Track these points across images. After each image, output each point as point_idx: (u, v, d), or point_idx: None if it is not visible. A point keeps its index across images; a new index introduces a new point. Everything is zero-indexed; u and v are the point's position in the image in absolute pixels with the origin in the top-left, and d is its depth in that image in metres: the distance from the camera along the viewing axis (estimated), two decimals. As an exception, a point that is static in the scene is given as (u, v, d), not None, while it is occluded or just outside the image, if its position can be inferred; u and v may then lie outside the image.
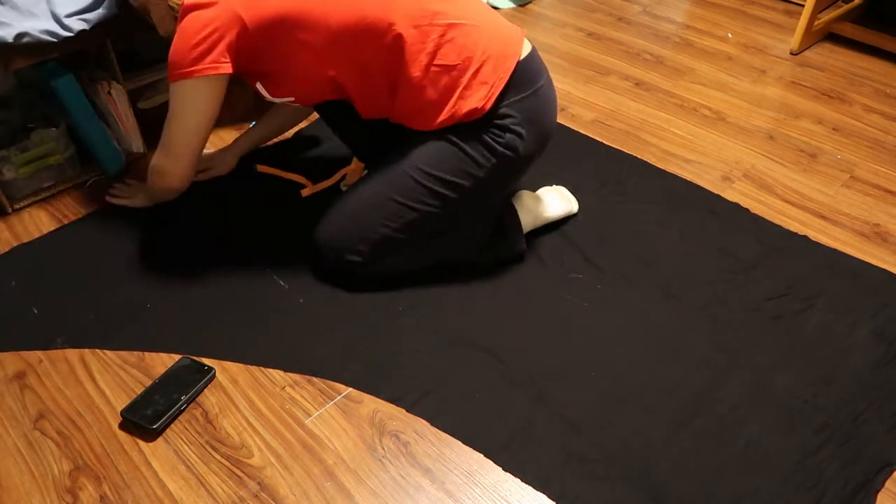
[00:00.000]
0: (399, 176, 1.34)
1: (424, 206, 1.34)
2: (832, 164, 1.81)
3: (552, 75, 2.17)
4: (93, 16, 1.49)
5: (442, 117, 1.31)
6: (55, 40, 1.44)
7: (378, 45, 1.25)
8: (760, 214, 1.64)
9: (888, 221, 1.64)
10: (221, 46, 1.20)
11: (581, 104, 2.03)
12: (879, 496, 1.11)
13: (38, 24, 1.43)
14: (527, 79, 1.33)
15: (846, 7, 2.39)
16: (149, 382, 1.25)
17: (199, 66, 1.21)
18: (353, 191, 1.40)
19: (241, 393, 1.25)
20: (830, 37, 2.37)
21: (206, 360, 1.29)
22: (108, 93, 1.66)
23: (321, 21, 1.22)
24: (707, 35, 2.41)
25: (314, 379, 1.27)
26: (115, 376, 1.27)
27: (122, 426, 1.19)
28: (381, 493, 1.11)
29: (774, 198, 1.70)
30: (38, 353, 1.31)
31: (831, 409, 1.23)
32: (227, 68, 1.23)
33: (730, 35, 2.41)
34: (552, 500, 1.10)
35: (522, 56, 1.33)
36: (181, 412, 1.21)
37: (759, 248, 1.54)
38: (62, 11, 1.46)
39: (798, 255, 1.53)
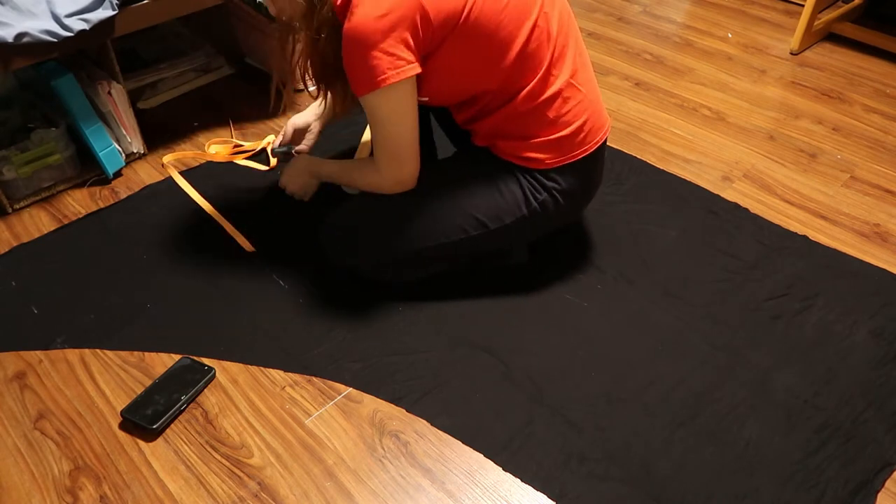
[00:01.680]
0: (431, 201, 1.32)
1: (445, 238, 1.32)
2: (832, 164, 1.81)
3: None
4: (93, 16, 1.49)
5: (508, 150, 1.30)
6: (55, 40, 1.44)
7: (527, 68, 1.22)
8: (760, 214, 1.64)
9: (888, 221, 1.64)
10: (406, 38, 1.10)
11: (581, 104, 2.03)
12: (879, 496, 1.11)
13: (38, 24, 1.43)
14: (591, 158, 1.33)
15: (846, 7, 2.39)
16: (149, 382, 1.25)
17: (392, 72, 1.11)
18: (378, 198, 1.36)
19: (241, 393, 1.25)
20: (830, 37, 2.37)
21: (206, 360, 1.29)
22: (108, 93, 1.66)
23: (499, 32, 1.16)
24: (707, 35, 2.41)
25: (314, 379, 1.27)
26: (115, 376, 1.27)
27: (122, 426, 1.20)
28: (381, 493, 1.11)
29: (774, 198, 1.70)
30: (38, 353, 1.31)
31: (831, 409, 1.23)
32: (417, 67, 1.14)
33: (730, 35, 2.41)
34: (552, 499, 1.10)
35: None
36: (181, 412, 1.21)
37: (759, 248, 1.54)
38: (62, 11, 1.46)
39: (798, 255, 1.53)
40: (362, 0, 1.08)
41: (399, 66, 1.11)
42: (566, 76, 1.25)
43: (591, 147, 1.31)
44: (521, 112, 1.25)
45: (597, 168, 1.37)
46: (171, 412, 1.19)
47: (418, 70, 1.14)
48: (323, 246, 1.42)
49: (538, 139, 1.27)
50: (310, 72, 1.24)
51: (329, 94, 1.28)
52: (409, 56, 1.12)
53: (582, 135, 1.29)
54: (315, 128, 1.62)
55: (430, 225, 1.32)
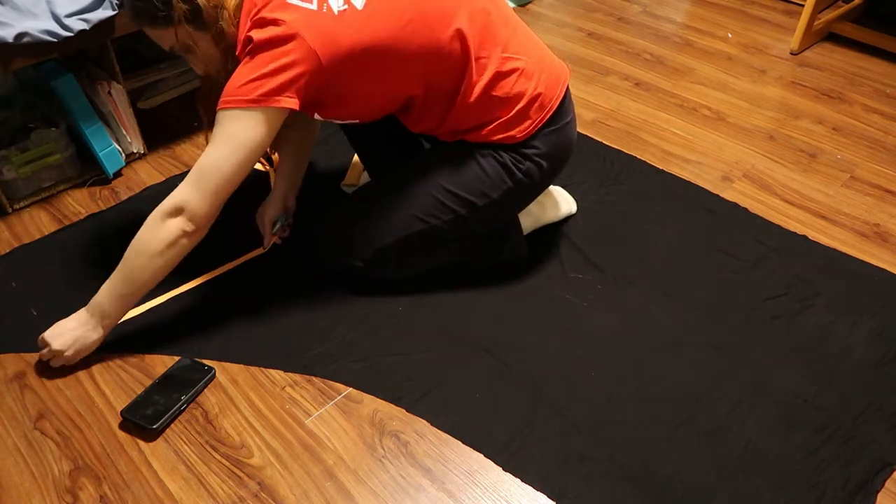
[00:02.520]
0: (414, 187, 1.34)
1: (434, 220, 1.34)
2: (832, 164, 1.81)
3: (552, 75, 2.17)
4: (93, 16, 1.49)
5: (476, 138, 1.31)
6: (55, 40, 1.44)
7: (449, 68, 1.23)
8: (760, 214, 1.64)
9: (888, 221, 1.63)
10: (292, 81, 1.09)
11: (581, 104, 2.03)
12: (879, 496, 1.11)
13: (38, 24, 1.43)
14: (558, 115, 1.34)
15: (846, 7, 2.39)
16: (149, 382, 1.25)
17: (263, 96, 1.08)
18: (364, 196, 1.40)
19: (241, 393, 1.25)
20: (830, 37, 2.37)
21: (205, 361, 1.29)
22: (108, 93, 1.66)
23: (398, 48, 1.16)
24: (707, 35, 2.41)
25: (314, 379, 1.27)
26: (115, 376, 1.27)
27: (122, 426, 1.19)
28: (381, 493, 1.11)
29: (774, 198, 1.70)
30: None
31: (831, 409, 1.23)
32: (294, 104, 1.11)
33: (730, 35, 2.41)
34: (552, 499, 1.10)
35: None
36: (181, 412, 1.21)
37: (759, 248, 1.54)
38: (62, 11, 1.46)
39: (797, 254, 1.53)
40: (260, 42, 1.09)
41: (272, 95, 1.09)
42: (498, 53, 1.25)
43: (554, 104, 1.31)
44: (469, 105, 1.26)
45: (568, 120, 1.37)
46: (171, 412, 1.19)
47: (293, 107, 1.11)
48: (319, 250, 1.42)
49: (499, 121, 1.28)
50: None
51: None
52: (289, 93, 1.10)
53: (539, 98, 1.29)
54: (280, 194, 1.49)
55: (416, 209, 1.33)
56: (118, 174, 1.74)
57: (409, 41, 1.16)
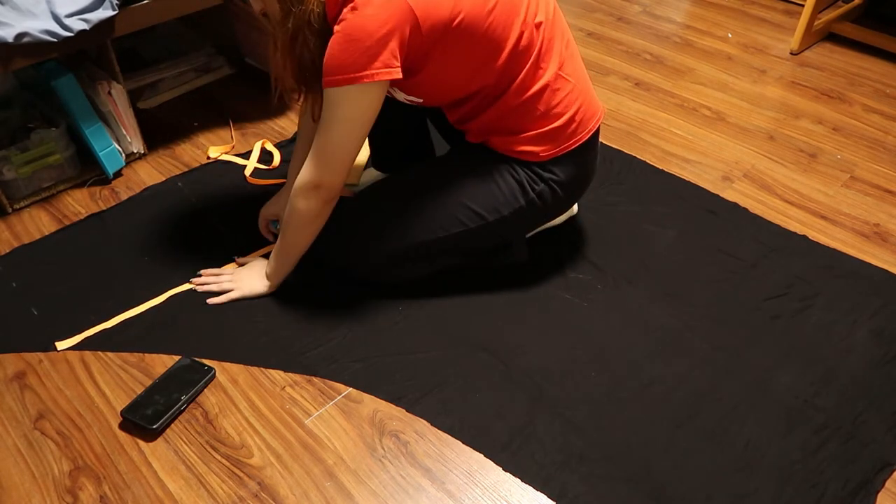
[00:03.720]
0: (427, 196, 1.33)
1: (443, 232, 1.33)
2: (832, 164, 1.81)
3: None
4: (93, 16, 1.49)
5: (502, 145, 1.31)
6: (55, 40, 1.44)
7: (518, 63, 1.22)
8: (760, 214, 1.64)
9: (888, 221, 1.63)
10: (393, 46, 1.09)
11: (581, 104, 2.03)
12: (879, 496, 1.11)
13: (38, 24, 1.43)
14: (585, 147, 1.34)
15: (846, 7, 2.39)
16: (149, 382, 1.25)
17: (371, 71, 1.09)
18: (374, 201, 1.38)
19: (241, 393, 1.25)
20: (830, 37, 2.37)
21: (206, 361, 1.29)
22: (108, 93, 1.66)
23: (489, 29, 1.15)
24: (707, 35, 2.41)
25: (314, 379, 1.27)
26: (115, 376, 1.27)
27: (122, 426, 1.20)
28: (381, 493, 1.11)
29: (774, 198, 1.70)
30: (39, 353, 1.31)
31: (831, 408, 1.23)
32: (398, 73, 1.11)
33: (730, 35, 2.41)
34: (552, 499, 1.10)
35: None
36: (181, 412, 1.21)
37: (758, 248, 1.54)
38: (62, 11, 1.46)
39: (797, 254, 1.53)
40: (358, 7, 1.07)
41: (379, 67, 1.09)
42: (554, 69, 1.25)
43: (584, 136, 1.32)
44: (511, 107, 1.25)
45: (591, 156, 1.38)
46: (171, 412, 1.19)
47: (399, 76, 1.12)
48: (323, 252, 1.42)
49: (530, 132, 1.28)
50: (290, 71, 1.21)
51: (309, 98, 1.25)
52: (393, 62, 1.10)
53: (574, 125, 1.29)
54: (287, 192, 1.50)
55: (428, 219, 1.32)
56: (118, 174, 1.74)
57: (496, 24, 1.16)
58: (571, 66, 1.29)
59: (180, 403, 1.20)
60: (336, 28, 1.10)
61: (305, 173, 1.23)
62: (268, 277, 1.39)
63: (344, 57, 1.09)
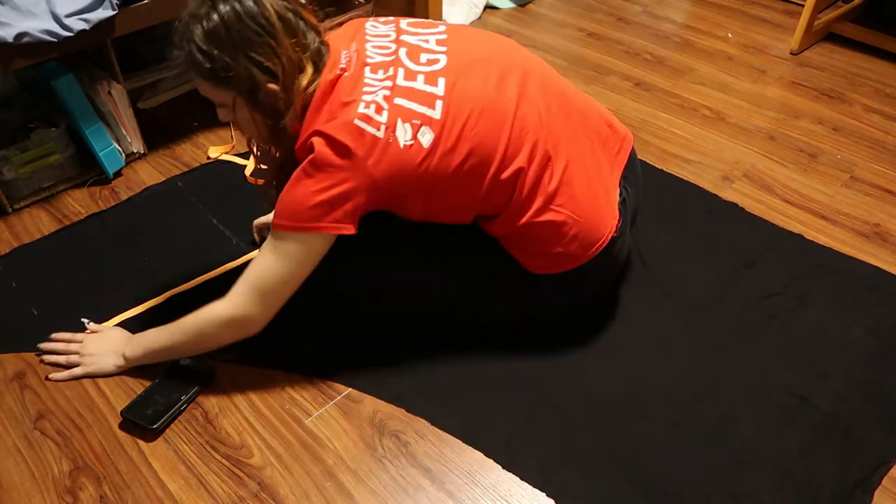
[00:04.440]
0: (420, 272, 1.27)
1: (436, 303, 1.30)
2: (832, 164, 1.81)
3: (552, 75, 2.17)
4: (93, 16, 1.49)
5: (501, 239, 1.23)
6: (55, 40, 1.45)
7: (496, 205, 1.17)
8: (760, 215, 1.64)
9: (888, 221, 1.64)
10: (349, 208, 1.08)
11: (581, 104, 2.03)
12: (877, 493, 1.11)
13: (38, 24, 1.43)
14: (584, 269, 1.23)
15: (846, 7, 2.39)
16: (149, 383, 1.25)
17: (322, 224, 1.09)
18: (377, 251, 1.27)
19: (241, 393, 1.25)
20: (830, 37, 2.37)
21: (206, 361, 1.29)
22: (108, 93, 1.66)
23: (460, 185, 1.13)
24: (707, 35, 2.41)
25: (314, 379, 1.27)
26: (115, 376, 1.27)
27: (122, 426, 1.20)
28: (381, 493, 1.11)
29: (774, 198, 1.70)
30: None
31: (828, 406, 1.23)
32: (351, 230, 1.11)
33: (730, 35, 2.41)
34: (551, 498, 1.10)
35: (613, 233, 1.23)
36: (181, 412, 1.21)
37: (755, 248, 1.54)
38: (62, 11, 1.46)
39: (794, 253, 1.53)
40: (316, 160, 1.06)
41: (330, 223, 1.09)
42: (540, 202, 1.16)
43: (580, 262, 1.21)
44: (499, 234, 1.21)
45: (602, 278, 1.30)
46: (171, 412, 1.19)
47: (351, 232, 1.11)
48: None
49: (522, 252, 1.22)
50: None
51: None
52: (346, 220, 1.09)
53: (565, 259, 1.21)
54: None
55: (412, 294, 1.29)
56: (118, 174, 1.74)
57: (466, 182, 1.13)
58: (566, 192, 1.17)
59: (180, 403, 1.20)
60: (296, 173, 1.08)
61: (231, 305, 1.15)
62: (125, 358, 1.25)
63: (296, 205, 1.09)
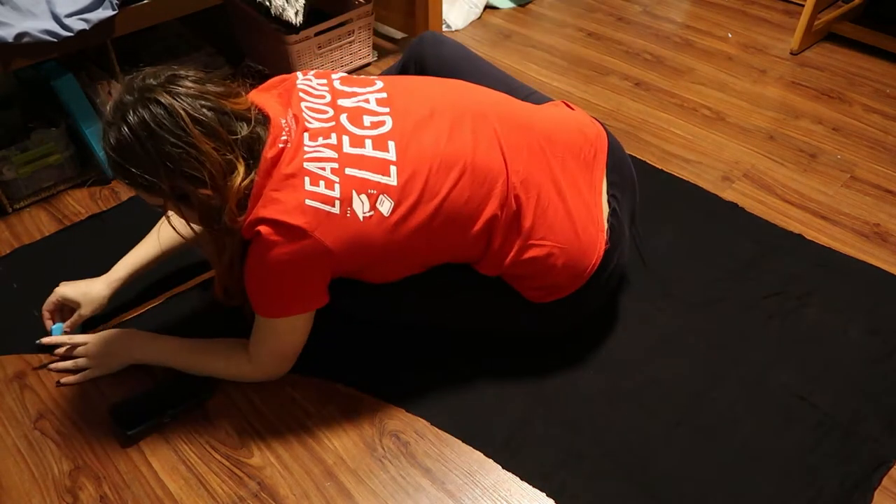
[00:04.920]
0: (413, 310, 1.28)
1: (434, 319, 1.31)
2: (832, 164, 1.81)
3: (552, 75, 2.17)
4: (93, 16, 1.49)
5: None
6: (55, 40, 1.45)
7: (470, 255, 1.18)
8: (760, 215, 1.64)
9: (888, 221, 1.64)
10: (318, 288, 1.10)
11: (581, 104, 2.03)
12: (877, 494, 1.11)
13: (38, 24, 1.43)
14: (579, 293, 1.22)
15: (846, 7, 2.39)
16: (149, 383, 1.25)
17: (300, 305, 1.11)
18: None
19: (241, 393, 1.25)
20: (830, 37, 2.37)
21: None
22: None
23: (424, 248, 1.12)
24: (707, 35, 2.41)
25: (314, 379, 1.27)
26: (115, 376, 1.27)
27: (109, 422, 1.19)
28: (381, 493, 1.11)
29: (774, 198, 1.70)
30: (39, 353, 1.31)
31: (827, 406, 1.23)
32: (324, 300, 1.12)
33: (730, 35, 2.41)
34: (551, 497, 1.10)
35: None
36: (164, 424, 1.19)
37: (755, 247, 1.54)
38: (62, 11, 1.46)
39: (793, 253, 1.53)
40: (264, 246, 1.02)
41: (303, 302, 1.11)
42: (520, 243, 1.15)
43: (570, 290, 1.20)
44: (487, 273, 1.20)
45: (590, 296, 1.24)
46: (152, 421, 1.17)
47: (325, 302, 1.12)
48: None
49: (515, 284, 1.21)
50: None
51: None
52: (317, 294, 1.10)
53: (555, 289, 1.20)
54: (98, 297, 1.31)
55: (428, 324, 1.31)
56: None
57: (437, 241, 1.12)
58: (544, 225, 1.15)
59: (164, 416, 1.19)
60: (249, 263, 1.06)
61: (251, 369, 1.21)
62: (134, 360, 1.26)
63: (264, 297, 1.09)
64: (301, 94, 1.12)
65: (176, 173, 0.99)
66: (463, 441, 1.18)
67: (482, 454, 1.16)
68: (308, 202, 1.01)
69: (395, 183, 1.06)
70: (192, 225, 1.10)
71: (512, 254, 1.15)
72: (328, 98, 1.12)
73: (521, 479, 1.13)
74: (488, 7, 2.57)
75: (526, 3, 2.63)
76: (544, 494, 1.11)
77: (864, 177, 1.77)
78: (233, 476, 1.13)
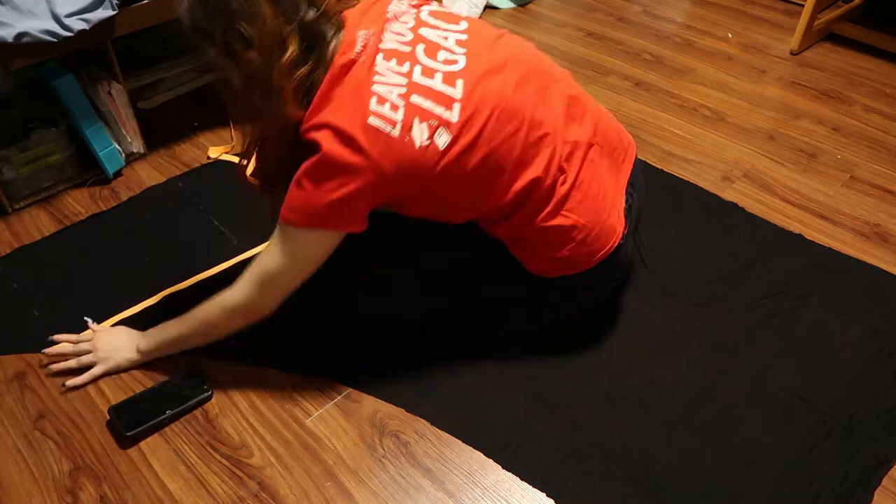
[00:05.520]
0: (424, 281, 1.26)
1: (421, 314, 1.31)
2: (832, 164, 1.81)
3: (552, 75, 2.17)
4: (93, 16, 1.49)
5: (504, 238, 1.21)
6: (55, 40, 1.45)
7: (501, 206, 1.15)
8: (760, 215, 1.64)
9: (888, 221, 1.64)
10: (358, 206, 1.07)
11: (581, 104, 2.03)
12: (877, 494, 1.11)
13: (38, 24, 1.43)
14: (591, 274, 1.22)
15: (846, 7, 2.39)
16: (149, 383, 1.25)
17: (330, 223, 1.07)
18: (373, 257, 1.26)
19: (241, 393, 1.25)
20: (830, 37, 2.37)
21: (206, 361, 1.28)
22: (108, 93, 1.66)
23: (467, 188, 1.10)
24: (707, 35, 2.41)
25: (314, 379, 1.27)
26: (115, 376, 1.27)
27: (107, 424, 1.19)
28: (381, 493, 1.11)
29: (774, 198, 1.70)
30: (39, 353, 1.31)
31: (827, 406, 1.23)
32: (361, 227, 1.09)
33: (730, 35, 2.41)
34: (551, 498, 1.10)
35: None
36: (164, 425, 1.19)
37: (755, 247, 1.54)
38: (62, 11, 1.46)
39: (793, 253, 1.53)
40: (325, 152, 1.02)
41: (339, 219, 1.07)
42: (551, 206, 1.15)
43: (584, 266, 1.21)
44: (511, 235, 1.19)
45: (594, 283, 1.26)
46: (152, 423, 1.17)
47: (361, 229, 1.10)
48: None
49: (529, 253, 1.21)
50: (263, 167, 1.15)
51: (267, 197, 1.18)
52: (357, 216, 1.08)
53: (569, 263, 1.20)
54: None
55: (432, 316, 1.29)
56: (118, 174, 1.74)
57: (478, 188, 1.11)
58: (576, 199, 1.16)
59: (163, 417, 1.19)
60: (305, 166, 1.05)
61: (239, 294, 1.16)
62: (138, 351, 1.26)
63: (304, 202, 1.06)
64: (387, 16, 1.12)
65: (229, 26, 1.00)
66: (463, 441, 1.18)
67: (482, 454, 1.16)
68: (371, 120, 1.02)
69: (455, 119, 1.06)
70: (241, 102, 1.09)
71: (540, 217, 1.15)
72: (412, 24, 1.13)
73: (521, 479, 1.13)
74: (488, 7, 2.57)
75: (526, 3, 2.63)
76: (544, 494, 1.11)
77: (864, 177, 1.77)
78: (233, 476, 1.13)
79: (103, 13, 1.50)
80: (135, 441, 1.17)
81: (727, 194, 1.70)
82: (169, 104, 2.00)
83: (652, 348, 1.33)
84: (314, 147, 1.03)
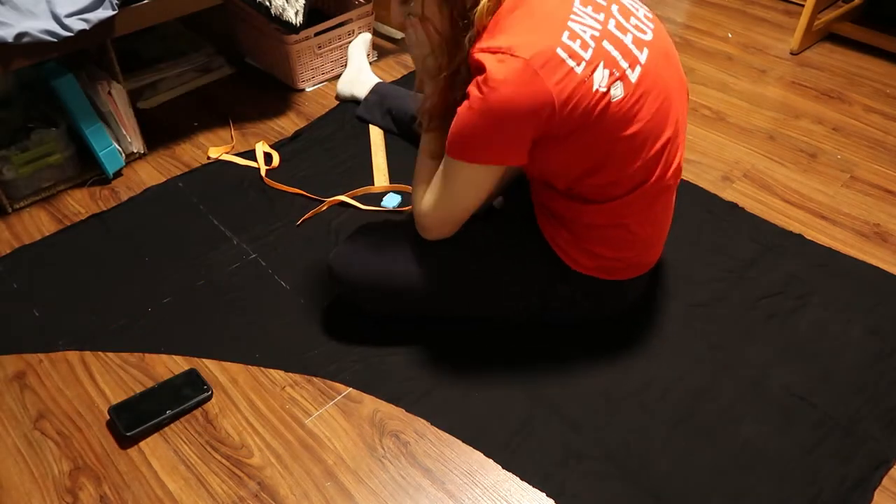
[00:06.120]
0: (450, 269, 1.25)
1: (449, 309, 1.30)
2: (832, 164, 1.81)
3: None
4: (93, 16, 1.49)
5: (544, 220, 1.22)
6: (55, 40, 1.45)
7: (609, 195, 1.14)
8: (760, 215, 1.64)
9: (888, 221, 1.64)
10: (525, 136, 1.04)
11: (581, 104, 2.03)
12: (877, 494, 1.11)
13: (38, 24, 1.43)
14: (621, 286, 1.26)
15: (846, 7, 2.39)
16: (149, 383, 1.25)
17: (496, 154, 1.07)
18: (394, 253, 1.26)
19: (241, 393, 1.25)
20: (830, 37, 2.37)
21: (206, 361, 1.29)
22: (108, 93, 1.66)
23: (621, 146, 1.08)
24: (707, 35, 2.41)
25: (314, 379, 1.27)
26: (115, 376, 1.27)
27: (107, 424, 1.19)
28: (381, 493, 1.11)
29: (774, 198, 1.70)
30: (39, 353, 1.31)
31: (827, 406, 1.23)
32: (525, 158, 1.08)
33: (730, 35, 2.41)
34: (551, 498, 1.10)
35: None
36: (164, 425, 1.20)
37: (755, 248, 1.54)
38: (62, 11, 1.46)
39: (793, 253, 1.53)
40: (490, 82, 0.99)
41: (505, 152, 1.07)
42: (637, 213, 1.17)
43: (623, 277, 1.25)
44: (578, 222, 1.19)
45: (616, 295, 1.29)
46: (152, 423, 1.18)
47: (524, 162, 1.09)
48: (330, 270, 1.29)
49: (570, 236, 1.21)
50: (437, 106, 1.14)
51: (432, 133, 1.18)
52: (522, 148, 1.06)
53: (612, 268, 1.23)
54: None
55: (440, 294, 1.27)
56: (118, 174, 1.74)
57: (611, 159, 1.09)
58: (649, 214, 1.19)
59: (163, 417, 1.19)
60: (468, 100, 1.03)
61: (422, 215, 1.19)
62: None
63: (471, 135, 1.05)
64: None
65: None
66: (463, 441, 1.18)
67: (482, 454, 1.16)
68: (559, 51, 0.99)
69: (633, 80, 1.05)
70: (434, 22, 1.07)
71: (614, 203, 1.14)
72: None
73: (521, 479, 1.13)
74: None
75: (526, 3, 2.62)
76: (544, 494, 1.11)
77: (864, 177, 1.77)
78: (233, 476, 1.13)
79: (103, 13, 1.50)
80: (135, 441, 1.17)
81: (727, 194, 1.70)
82: (169, 104, 2.00)
83: (651, 348, 1.33)
84: (481, 71, 1.01)
